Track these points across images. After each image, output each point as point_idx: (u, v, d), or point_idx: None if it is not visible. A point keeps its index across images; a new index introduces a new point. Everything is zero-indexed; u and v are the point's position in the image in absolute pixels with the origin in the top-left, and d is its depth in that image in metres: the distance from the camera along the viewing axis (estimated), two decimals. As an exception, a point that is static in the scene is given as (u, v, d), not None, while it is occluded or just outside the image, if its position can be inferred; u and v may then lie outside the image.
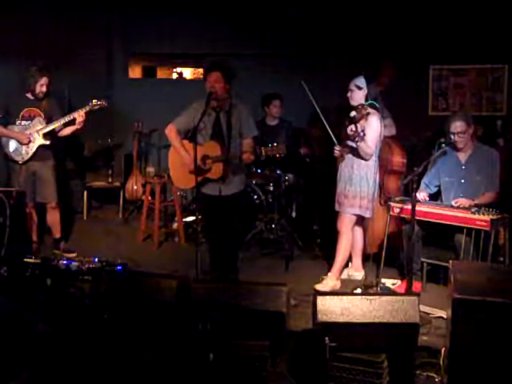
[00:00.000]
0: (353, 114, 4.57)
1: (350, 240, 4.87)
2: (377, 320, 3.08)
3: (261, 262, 5.57)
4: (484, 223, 4.16)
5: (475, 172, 4.64)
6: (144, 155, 7.45)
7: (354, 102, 4.70)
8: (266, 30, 6.98)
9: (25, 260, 4.49)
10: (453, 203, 4.49)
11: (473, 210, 4.28)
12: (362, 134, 4.47)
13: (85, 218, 7.09)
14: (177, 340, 3.25)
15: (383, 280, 4.81)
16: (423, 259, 4.66)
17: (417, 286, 4.56)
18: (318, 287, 4.75)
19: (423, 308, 4.05)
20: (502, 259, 4.41)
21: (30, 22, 6.86)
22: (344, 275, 5.04)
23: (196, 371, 3.15)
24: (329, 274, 4.89)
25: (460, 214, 4.31)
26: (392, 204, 4.70)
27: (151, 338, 3.29)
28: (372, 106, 4.67)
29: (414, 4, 6.47)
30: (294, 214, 6.32)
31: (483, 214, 4.18)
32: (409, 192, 4.35)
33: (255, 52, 7.15)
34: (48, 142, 5.39)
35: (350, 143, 4.71)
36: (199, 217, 4.69)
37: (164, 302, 3.37)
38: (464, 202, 4.45)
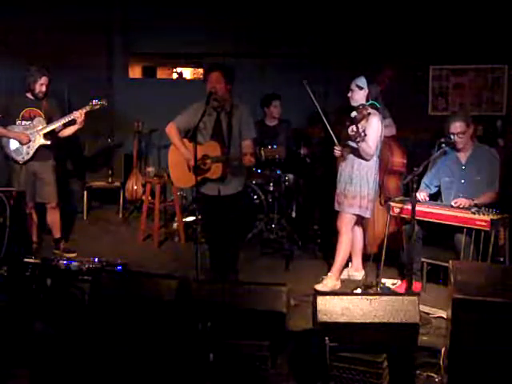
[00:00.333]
0: (354, 114, 4.58)
1: (349, 240, 4.87)
2: (377, 320, 3.08)
3: (261, 262, 5.57)
4: (484, 223, 4.16)
5: (475, 172, 4.64)
6: (144, 155, 7.45)
7: (354, 102, 4.70)
8: (266, 30, 6.99)
9: (25, 260, 4.49)
10: (453, 203, 4.49)
11: (473, 210, 4.28)
12: (363, 134, 4.47)
13: (85, 218, 7.09)
14: (177, 340, 3.25)
15: (383, 280, 4.81)
16: (423, 259, 4.66)
17: (417, 285, 4.56)
18: (318, 287, 4.75)
19: (423, 308, 4.06)
20: (502, 259, 4.41)
21: (30, 21, 6.86)
22: (344, 275, 5.04)
23: (196, 371, 3.15)
24: (329, 273, 4.89)
25: (460, 214, 4.31)
26: (392, 204, 4.70)
27: (151, 338, 3.29)
28: (373, 107, 4.67)
29: (414, 4, 6.47)
30: (293, 214, 6.32)
31: (483, 214, 4.18)
32: (409, 192, 4.35)
33: (255, 52, 7.15)
34: (49, 142, 5.39)
35: (351, 143, 4.71)
36: (199, 217, 4.69)
37: (164, 302, 3.36)
38: (464, 202, 4.44)
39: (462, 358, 2.96)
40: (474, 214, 4.23)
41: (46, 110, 5.43)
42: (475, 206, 4.39)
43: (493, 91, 6.57)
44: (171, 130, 4.51)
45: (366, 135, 4.50)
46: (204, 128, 4.42)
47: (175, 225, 6.36)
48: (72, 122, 5.39)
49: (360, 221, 4.93)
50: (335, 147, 4.78)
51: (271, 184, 6.04)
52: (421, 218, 4.43)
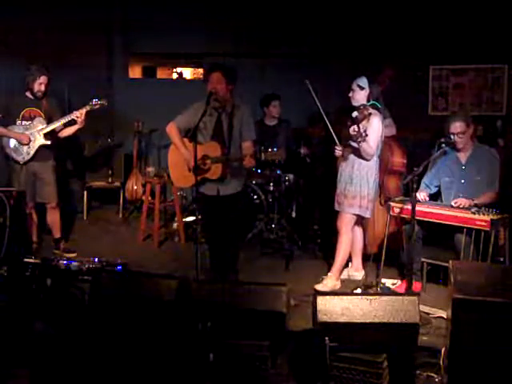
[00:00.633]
0: (355, 114, 4.57)
1: (349, 240, 4.87)
2: (377, 320, 3.08)
3: (261, 262, 5.57)
4: (484, 223, 4.16)
5: (475, 172, 4.64)
6: (144, 155, 7.45)
7: (355, 102, 4.70)
8: (266, 30, 6.99)
9: (25, 260, 4.49)
10: (453, 203, 4.49)
11: (473, 210, 4.28)
12: (364, 134, 4.47)
13: (85, 218, 7.09)
14: (177, 340, 3.25)
15: (383, 280, 4.81)
16: (423, 259, 4.66)
17: (417, 285, 4.56)
18: (318, 287, 4.75)
19: (423, 308, 4.06)
20: (502, 259, 4.41)
21: (30, 21, 6.86)
22: (344, 275, 5.04)
23: (196, 371, 3.15)
24: (329, 273, 4.89)
25: (460, 214, 4.31)
26: (392, 204, 4.70)
27: (151, 338, 3.29)
28: (374, 107, 4.67)
29: (414, 4, 6.47)
30: (293, 214, 6.32)
31: (483, 214, 4.18)
32: (409, 192, 4.34)
33: (255, 52, 7.15)
34: (49, 142, 5.39)
35: (351, 143, 4.71)
36: (199, 217, 4.69)
37: (164, 302, 3.36)
38: (464, 202, 4.44)
39: (462, 358, 2.95)
40: (474, 213, 4.23)
41: (46, 110, 5.43)
42: (475, 205, 4.38)
43: (493, 91, 6.57)
44: (171, 129, 4.51)
45: (367, 135, 4.50)
46: (204, 128, 4.42)
47: (175, 225, 6.37)
48: (72, 122, 5.39)
49: (360, 221, 4.93)
50: (336, 147, 4.78)
51: (271, 184, 6.04)
52: (421, 218, 4.43)
